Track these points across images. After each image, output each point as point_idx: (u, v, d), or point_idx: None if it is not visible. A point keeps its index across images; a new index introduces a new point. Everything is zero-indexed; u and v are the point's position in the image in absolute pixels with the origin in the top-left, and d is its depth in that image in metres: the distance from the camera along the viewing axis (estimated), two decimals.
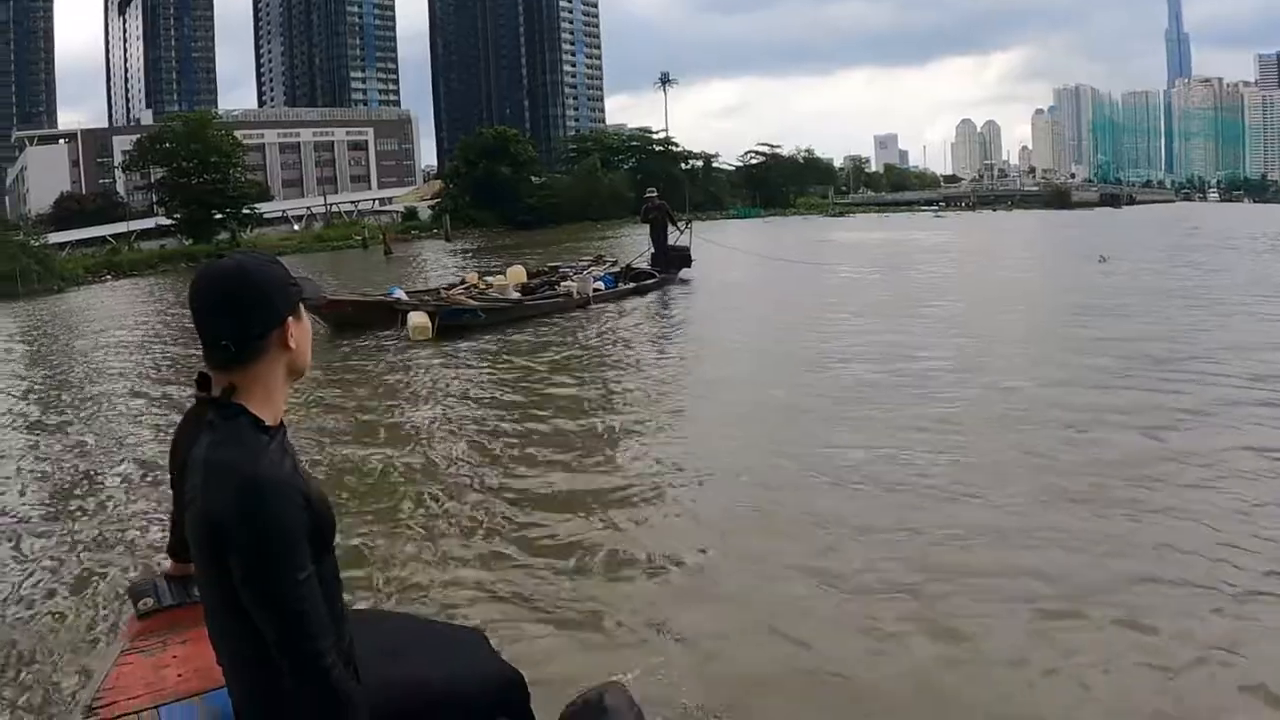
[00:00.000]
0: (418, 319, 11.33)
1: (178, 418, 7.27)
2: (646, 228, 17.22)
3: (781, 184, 78.37)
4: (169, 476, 1.82)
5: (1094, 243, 25.26)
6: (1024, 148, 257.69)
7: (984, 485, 4.66)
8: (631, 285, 14.97)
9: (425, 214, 60.29)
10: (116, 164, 61.59)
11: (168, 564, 2.15)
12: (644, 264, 16.12)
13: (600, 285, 14.31)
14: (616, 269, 16.10)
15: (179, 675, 1.84)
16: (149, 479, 5.59)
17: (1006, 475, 4.86)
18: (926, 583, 3.54)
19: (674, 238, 16.72)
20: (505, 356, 9.81)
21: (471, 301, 12.33)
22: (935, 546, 3.91)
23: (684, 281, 16.36)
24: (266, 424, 1.42)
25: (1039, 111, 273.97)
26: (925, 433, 5.75)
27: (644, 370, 9.04)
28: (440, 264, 26.93)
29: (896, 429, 5.89)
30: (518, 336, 11.18)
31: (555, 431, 6.32)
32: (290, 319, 1.44)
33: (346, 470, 5.63)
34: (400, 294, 12.73)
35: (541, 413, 6.95)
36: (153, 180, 49.73)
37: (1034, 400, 6.61)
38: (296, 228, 61.17)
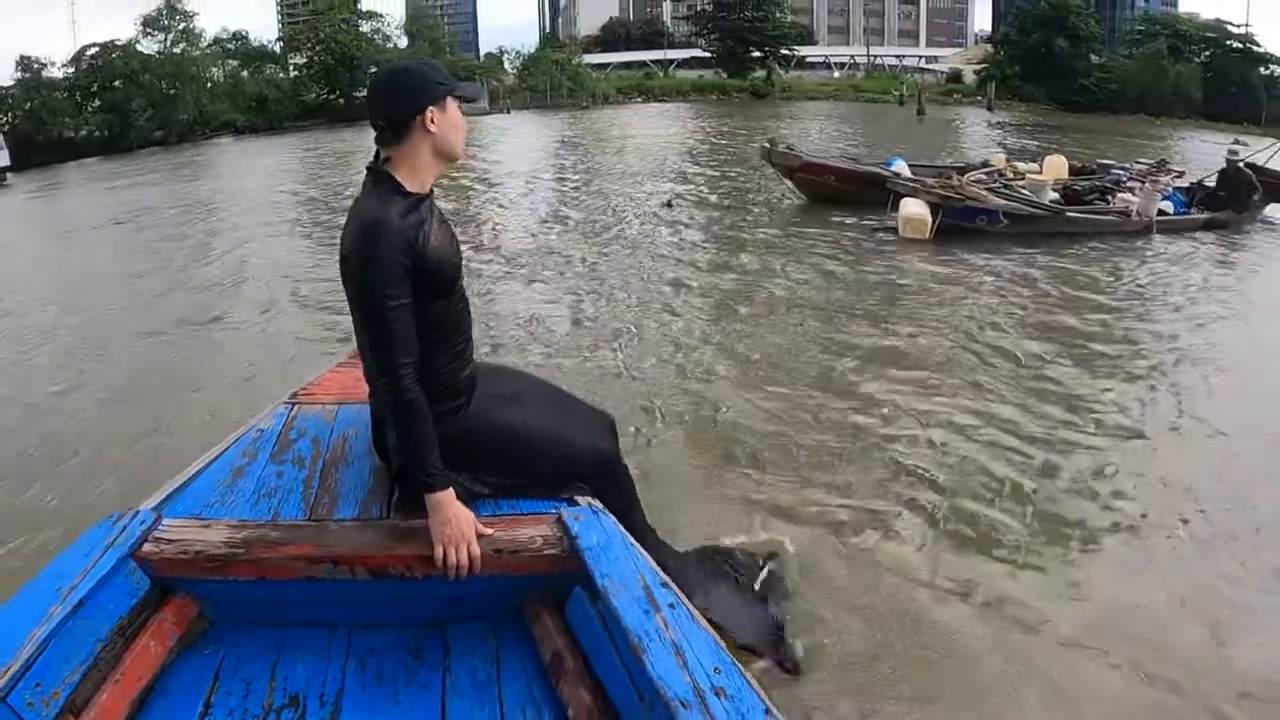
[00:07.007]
0: (913, 209, 8.96)
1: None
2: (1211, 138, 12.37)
3: None
4: None
5: None
6: None
7: None
8: (1205, 215, 10.60)
9: (969, 79, 57.26)
10: None
11: None
12: (1214, 181, 11.12)
13: (1168, 206, 10.41)
14: (1185, 184, 11.31)
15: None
16: None
17: None
18: None
19: (1263, 157, 11.40)
20: (1028, 299, 6.95)
21: (994, 199, 9.28)
22: None
23: (1269, 223, 11.03)
24: (409, 190, 1.85)
25: None
26: None
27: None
28: (976, 134, 23.78)
29: None
30: (1048, 264, 8.08)
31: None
32: (432, 108, 1.84)
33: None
34: (901, 167, 10.35)
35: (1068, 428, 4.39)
36: (696, 9, 53.26)
37: None
38: (836, 75, 61.41)
